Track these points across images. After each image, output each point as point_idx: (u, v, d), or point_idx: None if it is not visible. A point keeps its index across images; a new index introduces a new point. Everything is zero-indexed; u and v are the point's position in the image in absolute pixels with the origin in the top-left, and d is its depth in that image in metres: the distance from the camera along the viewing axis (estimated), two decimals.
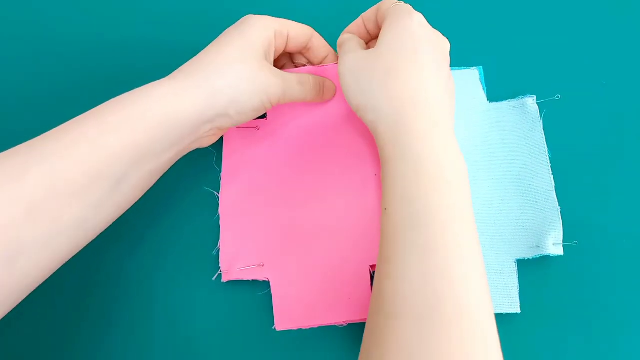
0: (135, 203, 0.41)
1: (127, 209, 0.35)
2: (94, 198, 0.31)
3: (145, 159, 0.33)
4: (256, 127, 0.44)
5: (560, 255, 0.38)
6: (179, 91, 0.34)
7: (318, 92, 0.41)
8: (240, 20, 0.38)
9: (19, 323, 0.39)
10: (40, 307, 0.39)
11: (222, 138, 0.43)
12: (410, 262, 0.30)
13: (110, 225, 0.37)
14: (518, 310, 0.37)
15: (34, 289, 0.31)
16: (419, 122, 0.33)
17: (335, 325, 0.38)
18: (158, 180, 0.40)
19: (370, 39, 0.42)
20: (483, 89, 0.44)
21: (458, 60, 0.45)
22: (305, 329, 0.38)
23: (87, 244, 0.33)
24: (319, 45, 0.42)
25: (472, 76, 0.44)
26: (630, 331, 0.37)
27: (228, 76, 0.35)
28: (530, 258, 0.38)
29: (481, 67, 0.45)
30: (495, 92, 0.44)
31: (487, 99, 0.44)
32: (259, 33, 0.37)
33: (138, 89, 0.34)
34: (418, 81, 0.35)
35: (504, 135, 0.42)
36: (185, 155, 0.41)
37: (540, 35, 0.46)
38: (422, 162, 0.32)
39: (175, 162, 0.37)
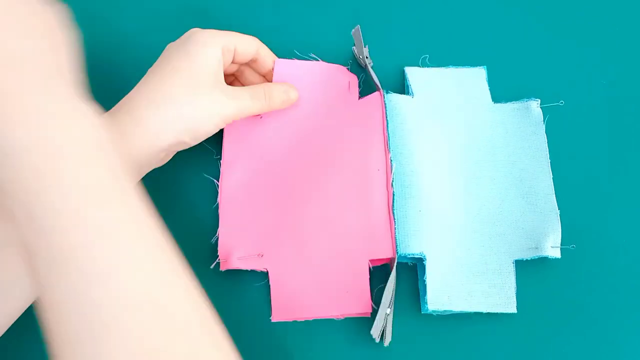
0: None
1: None
2: None
3: None
4: (258, 115, 0.43)
5: (558, 258, 0.38)
6: (130, 127, 0.33)
7: (273, 102, 0.40)
8: (184, 36, 0.37)
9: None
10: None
11: None
12: None
13: None
14: (514, 310, 0.37)
15: None
16: None
17: (332, 318, 0.38)
18: (157, 168, 0.39)
19: None
20: (488, 89, 0.44)
21: (463, 60, 0.45)
22: (302, 321, 0.38)
23: None
24: (265, 56, 0.41)
25: (479, 75, 0.44)
26: (624, 334, 0.38)
27: (180, 108, 0.35)
28: (529, 259, 0.38)
29: (485, 66, 0.45)
30: (499, 93, 0.44)
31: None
32: (206, 54, 0.36)
33: None
34: None
35: (507, 136, 0.42)
36: None
37: (546, 40, 0.46)
38: None
39: None
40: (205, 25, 0.39)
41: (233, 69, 0.42)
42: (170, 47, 0.37)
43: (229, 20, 0.41)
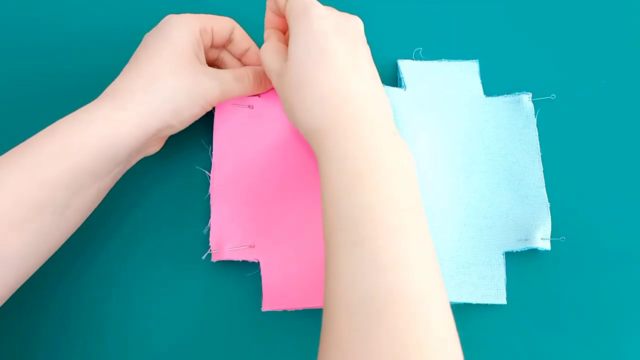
0: (126, 181, 0.40)
1: (75, 230, 0.35)
2: (38, 227, 0.31)
3: (88, 183, 0.33)
4: (249, 106, 0.43)
5: (548, 250, 0.39)
6: (117, 113, 0.33)
7: (259, 84, 0.40)
8: (160, 23, 0.37)
9: (10, 315, 0.38)
10: (32, 292, 0.38)
11: (213, 116, 0.42)
12: (343, 258, 0.29)
13: (100, 204, 0.37)
14: (504, 302, 0.38)
15: None
16: (340, 122, 0.32)
17: (322, 308, 0.38)
18: (148, 159, 0.39)
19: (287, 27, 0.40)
20: (480, 82, 0.44)
21: (455, 53, 0.45)
22: (292, 311, 0.38)
23: (38, 267, 0.33)
24: (240, 37, 0.41)
25: (471, 68, 0.44)
26: (614, 326, 0.38)
27: (164, 91, 0.35)
28: (519, 251, 0.39)
29: (477, 60, 0.45)
30: (491, 86, 0.44)
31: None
32: (185, 36, 0.36)
33: (72, 114, 0.33)
34: (334, 83, 0.33)
35: (498, 130, 0.42)
36: (174, 134, 0.40)
37: (538, 34, 0.46)
38: (347, 159, 0.31)
39: (121, 176, 0.37)
40: None
41: (214, 55, 0.42)
42: (148, 36, 0.37)
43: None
